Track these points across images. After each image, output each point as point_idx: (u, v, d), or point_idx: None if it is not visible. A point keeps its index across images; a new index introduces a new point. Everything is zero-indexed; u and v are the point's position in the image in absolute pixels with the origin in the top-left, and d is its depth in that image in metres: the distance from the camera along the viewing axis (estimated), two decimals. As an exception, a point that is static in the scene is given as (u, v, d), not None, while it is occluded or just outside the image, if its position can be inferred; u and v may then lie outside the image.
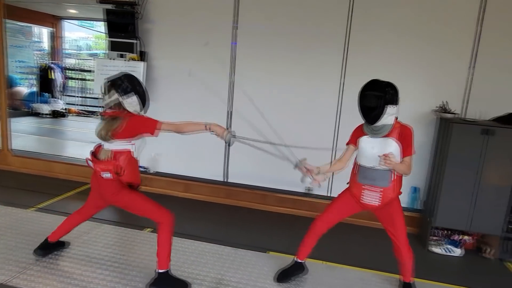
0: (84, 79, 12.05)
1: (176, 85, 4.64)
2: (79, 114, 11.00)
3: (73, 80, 11.97)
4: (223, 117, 4.56)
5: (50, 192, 4.48)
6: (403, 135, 2.46)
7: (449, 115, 3.68)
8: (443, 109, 3.76)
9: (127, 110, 2.54)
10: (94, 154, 2.67)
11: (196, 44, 4.50)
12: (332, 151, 4.27)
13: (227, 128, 2.60)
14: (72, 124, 9.83)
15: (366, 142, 2.55)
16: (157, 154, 4.80)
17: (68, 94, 11.67)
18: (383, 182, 2.53)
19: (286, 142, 2.81)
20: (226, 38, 4.42)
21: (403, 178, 2.62)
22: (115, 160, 2.53)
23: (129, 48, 4.40)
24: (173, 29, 4.53)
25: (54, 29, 11.39)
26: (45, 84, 10.35)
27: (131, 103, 2.54)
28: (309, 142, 3.43)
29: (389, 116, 2.41)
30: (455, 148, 3.55)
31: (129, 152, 2.57)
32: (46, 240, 3.01)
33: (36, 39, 11.30)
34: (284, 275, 2.91)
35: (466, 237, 3.80)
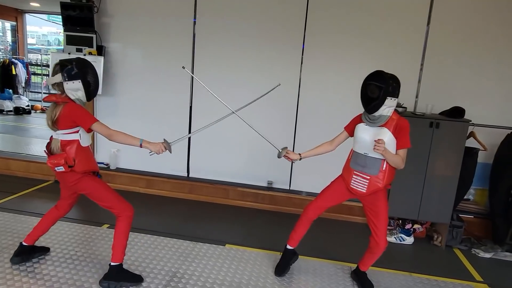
0: (48, 75, 11.72)
1: (136, 80, 4.61)
2: (44, 110, 10.68)
3: (38, 76, 11.62)
4: (184, 112, 4.58)
5: (6, 190, 4.36)
6: (399, 127, 2.51)
7: (400, 109, 3.82)
8: (395, 103, 3.90)
9: (67, 95, 2.44)
10: (48, 146, 2.60)
11: (155, 38, 4.48)
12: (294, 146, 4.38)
13: (162, 141, 2.60)
14: (36, 121, 9.55)
15: (361, 129, 2.62)
16: (117, 150, 4.76)
17: (32, 90, 11.33)
18: (373, 170, 2.58)
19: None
20: (186, 31, 4.42)
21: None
22: (63, 151, 2.49)
23: (87, 42, 4.33)
24: (131, 23, 4.50)
25: (16, 23, 11.01)
26: (7, 80, 9.99)
27: (73, 88, 2.42)
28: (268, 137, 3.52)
29: (387, 107, 2.48)
30: (405, 141, 3.70)
31: (76, 141, 2.51)
32: (20, 245, 2.87)
33: (-4, 33, 10.90)
34: (282, 267, 3.00)
35: (417, 226, 3.98)
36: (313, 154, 2.87)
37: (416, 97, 4.14)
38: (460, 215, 3.97)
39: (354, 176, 2.67)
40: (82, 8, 4.24)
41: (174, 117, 4.61)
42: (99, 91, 4.37)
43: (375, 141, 2.44)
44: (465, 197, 4.03)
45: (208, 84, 3.53)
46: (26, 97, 10.51)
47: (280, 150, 2.84)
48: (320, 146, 2.87)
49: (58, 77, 2.40)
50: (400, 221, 3.98)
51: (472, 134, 3.73)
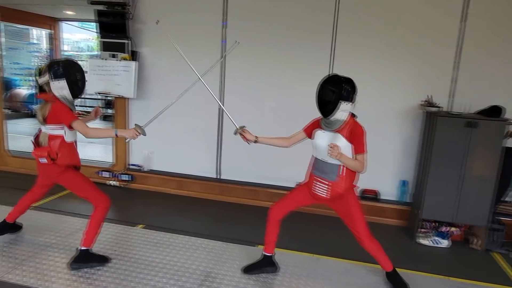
0: (83, 80, 12.13)
1: (166, 82, 4.70)
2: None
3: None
4: (214, 114, 4.64)
5: (47, 192, 4.55)
6: (353, 133, 2.51)
7: (434, 109, 3.73)
8: (428, 103, 3.81)
9: (54, 94, 2.67)
10: (37, 139, 2.83)
11: (186, 43, 4.55)
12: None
13: (134, 127, 2.73)
14: (71, 125, 9.93)
15: (318, 135, 2.63)
16: (150, 152, 4.88)
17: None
18: (331, 176, 2.58)
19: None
20: (216, 36, 4.48)
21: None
22: (49, 145, 2.74)
23: (121, 48, 4.47)
24: (163, 29, 4.58)
25: (52, 31, 11.48)
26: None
27: (58, 87, 2.64)
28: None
29: (342, 112, 2.47)
30: (440, 141, 3.60)
31: (61, 137, 2.73)
32: (3, 221, 3.21)
33: (35, 41, 11.39)
34: (250, 268, 2.99)
35: (453, 229, 3.86)
36: (269, 143, 2.91)
37: (452, 96, 4.02)
38: (500, 218, 3.82)
39: (314, 182, 2.69)
40: (116, 15, 4.38)
41: (204, 118, 4.69)
42: (133, 95, 4.61)
43: (328, 146, 2.47)
44: (505, 199, 3.87)
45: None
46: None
47: (238, 127, 2.85)
48: (278, 138, 2.90)
49: (46, 78, 2.66)
50: (437, 224, 3.88)
51: (510, 134, 3.59)
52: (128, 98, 4.76)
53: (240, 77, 4.51)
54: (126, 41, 4.45)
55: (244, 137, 2.85)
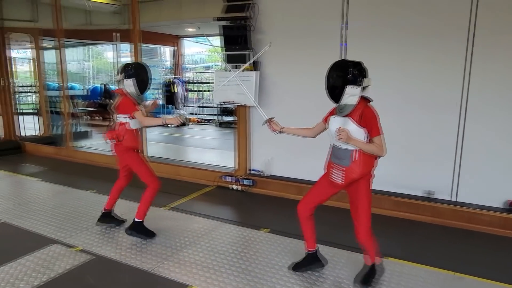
0: (201, 90, 13.20)
1: (288, 91, 4.79)
2: (198, 122, 12.08)
3: (192, 92, 13.22)
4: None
5: (179, 193, 5.03)
6: (364, 117, 2.49)
7: None
8: None
9: (125, 90, 3.38)
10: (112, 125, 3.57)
11: (304, 50, 4.59)
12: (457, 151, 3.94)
13: (177, 115, 3.26)
14: (192, 132, 10.87)
15: (332, 121, 2.66)
16: (271, 158, 5.02)
17: (188, 105, 12.93)
18: (345, 161, 2.57)
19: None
20: (334, 40, 4.41)
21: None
22: (116, 130, 3.44)
23: (243, 59, 4.70)
24: (282, 37, 4.70)
25: (176, 47, 12.76)
26: (169, 97, 11.65)
27: (128, 85, 3.37)
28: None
29: (350, 96, 2.48)
30: None
31: (127, 124, 3.41)
32: (105, 210, 3.84)
33: (162, 58, 12.82)
34: (297, 267, 3.03)
35: None
36: (294, 133, 3.03)
37: None
38: None
39: (331, 169, 2.69)
40: (239, 28, 4.63)
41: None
42: (254, 103, 4.79)
43: (336, 130, 2.48)
44: None
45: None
46: (183, 111, 12.04)
47: (267, 118, 3.04)
48: (303, 129, 3.00)
49: (121, 76, 3.39)
50: None
51: None
52: (249, 106, 4.98)
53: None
54: (248, 52, 4.67)
55: (271, 127, 3.00)
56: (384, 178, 4.36)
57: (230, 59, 4.85)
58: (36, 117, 8.81)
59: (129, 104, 3.37)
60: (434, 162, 4.16)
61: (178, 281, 2.91)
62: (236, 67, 4.79)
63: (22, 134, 8.15)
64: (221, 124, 11.46)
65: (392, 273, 3.02)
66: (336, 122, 2.60)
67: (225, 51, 4.88)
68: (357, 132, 2.49)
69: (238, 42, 4.70)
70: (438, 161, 4.14)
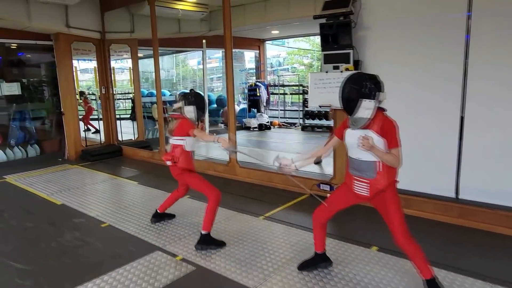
0: (284, 94, 13.02)
1: (393, 91, 4.28)
2: (280, 126, 11.91)
3: (274, 95, 13.11)
4: (455, 122, 3.98)
5: (273, 202, 4.81)
6: (385, 128, 2.49)
7: None
8: None
9: (185, 115, 3.63)
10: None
11: (415, 47, 4.07)
12: None
13: (230, 143, 3.39)
14: (275, 136, 10.71)
15: (348, 134, 2.63)
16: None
17: (271, 108, 12.84)
18: (369, 174, 2.55)
19: None
20: (457, 32, 3.82)
21: None
22: (172, 152, 3.65)
23: (344, 58, 4.33)
24: (387, 33, 4.24)
25: (259, 51, 12.77)
26: (253, 101, 11.65)
27: (188, 111, 3.64)
28: None
29: (365, 109, 2.47)
30: None
31: (182, 146, 3.61)
32: (156, 211, 4.17)
33: (246, 62, 12.92)
34: (304, 265, 3.08)
35: None
36: (308, 162, 3.03)
37: None
38: None
39: (354, 181, 2.65)
40: (340, 25, 4.28)
41: (438, 136, 4.08)
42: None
43: (359, 137, 2.43)
44: None
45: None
46: (266, 114, 11.96)
47: (275, 158, 3.01)
48: (316, 152, 2.96)
49: (181, 104, 3.65)
50: None
51: None
52: (348, 110, 4.59)
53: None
54: (350, 51, 4.29)
55: (282, 171, 2.98)
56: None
57: (328, 60, 4.51)
58: (127, 122, 9.37)
59: (189, 124, 3.60)
60: None
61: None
62: (338, 68, 4.44)
63: (119, 138, 8.68)
64: (304, 128, 11.14)
65: None
66: (354, 135, 2.55)
67: (322, 51, 4.55)
68: (378, 142, 2.48)
69: (338, 40, 4.34)
70: None
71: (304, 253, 3.36)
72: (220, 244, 3.57)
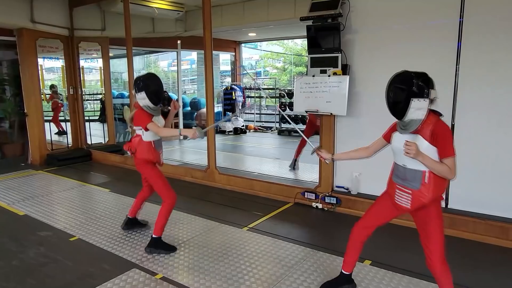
0: (260, 97, 12.84)
1: (381, 100, 4.18)
2: (256, 130, 11.71)
3: (250, 98, 12.90)
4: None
5: (255, 211, 4.58)
6: (436, 133, 2.20)
7: None
8: None
9: (138, 103, 3.29)
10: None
11: (405, 52, 3.98)
12: None
13: (195, 128, 3.12)
14: (250, 140, 10.49)
15: (396, 138, 2.40)
16: (359, 174, 4.44)
17: (246, 112, 12.62)
18: (414, 184, 2.30)
19: None
20: (448, 37, 3.75)
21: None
22: (131, 142, 3.47)
23: (332, 62, 4.18)
24: (378, 37, 4.12)
25: (234, 53, 12.53)
26: (229, 104, 11.39)
27: (140, 98, 3.26)
28: None
29: (416, 110, 2.20)
30: None
31: (140, 136, 3.39)
32: (126, 216, 3.98)
33: (221, 64, 12.65)
34: (328, 286, 2.81)
35: None
36: (346, 157, 2.93)
37: None
38: None
39: (396, 190, 2.42)
40: (328, 28, 4.12)
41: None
42: (345, 112, 4.26)
43: (404, 143, 2.17)
44: None
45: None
46: (241, 118, 11.73)
47: (314, 148, 2.86)
48: (356, 151, 2.75)
49: (133, 91, 3.32)
50: None
51: None
52: (335, 116, 4.44)
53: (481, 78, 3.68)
54: (337, 55, 4.14)
55: (321, 157, 2.82)
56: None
57: (315, 63, 4.34)
58: (96, 124, 8.84)
59: (142, 116, 3.28)
60: None
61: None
62: (325, 72, 4.28)
63: (88, 142, 8.19)
64: (281, 132, 10.99)
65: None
66: (401, 139, 2.29)
67: (309, 54, 4.38)
68: (429, 150, 2.21)
69: (326, 44, 4.19)
70: None
71: (294, 269, 3.16)
72: (171, 249, 3.48)
